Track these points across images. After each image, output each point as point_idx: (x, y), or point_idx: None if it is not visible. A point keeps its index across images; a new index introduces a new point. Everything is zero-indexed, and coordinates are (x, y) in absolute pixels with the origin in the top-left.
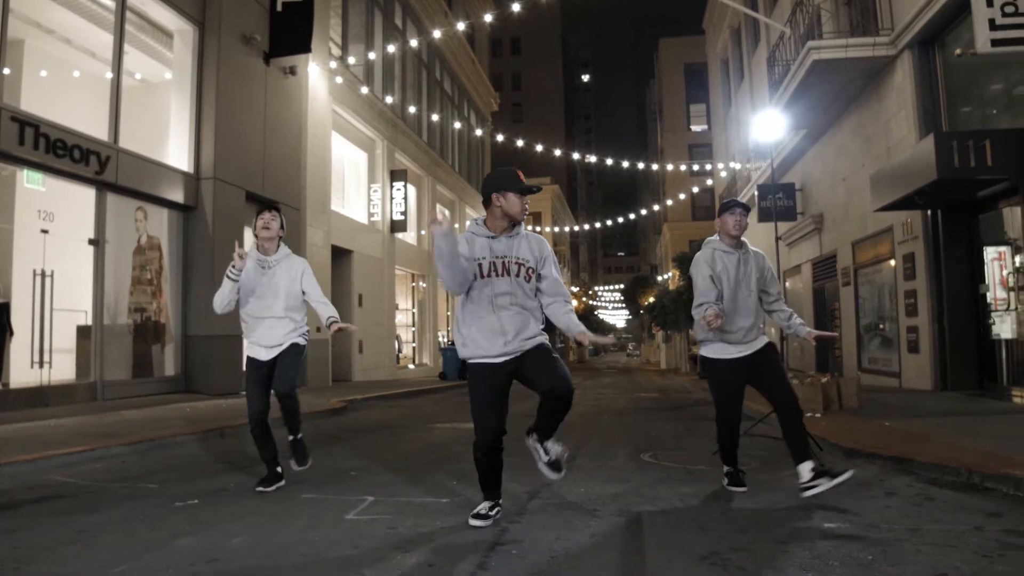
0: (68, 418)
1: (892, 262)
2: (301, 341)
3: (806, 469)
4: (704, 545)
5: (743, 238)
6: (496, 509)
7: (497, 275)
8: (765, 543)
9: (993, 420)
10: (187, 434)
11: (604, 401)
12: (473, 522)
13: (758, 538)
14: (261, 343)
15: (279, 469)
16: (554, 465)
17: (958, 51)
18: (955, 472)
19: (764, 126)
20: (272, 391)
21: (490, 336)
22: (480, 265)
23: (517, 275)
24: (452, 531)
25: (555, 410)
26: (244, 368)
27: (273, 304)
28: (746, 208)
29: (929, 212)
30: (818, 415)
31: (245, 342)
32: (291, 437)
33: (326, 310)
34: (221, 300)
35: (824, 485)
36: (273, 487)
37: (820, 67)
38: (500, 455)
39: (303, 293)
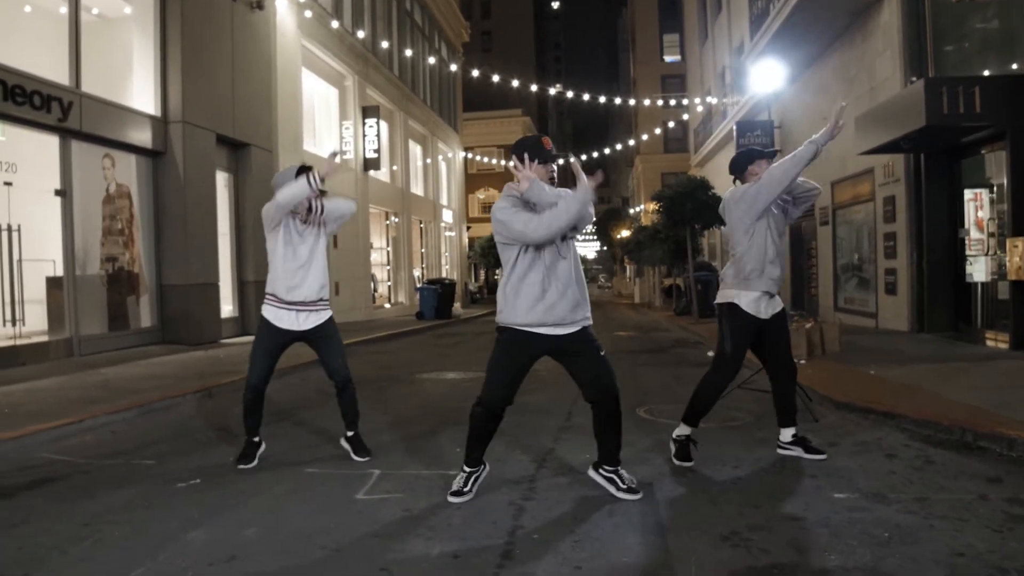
0: (46, 379)
1: (872, 203)
2: (329, 312)
3: (788, 434)
4: (722, 523)
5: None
6: (473, 479)
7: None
8: (781, 520)
9: (974, 368)
10: (174, 396)
11: None
12: (452, 499)
13: (773, 514)
14: (292, 297)
15: (257, 439)
16: (632, 491)
17: None
18: (948, 431)
19: (762, 75)
20: (330, 377)
21: (535, 305)
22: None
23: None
24: (467, 511)
25: (605, 420)
26: (258, 328)
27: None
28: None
29: (912, 155)
30: (803, 361)
31: (270, 304)
32: (349, 433)
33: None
34: (287, 197)
35: (797, 453)
36: (255, 461)
37: (807, 3)
38: (497, 423)
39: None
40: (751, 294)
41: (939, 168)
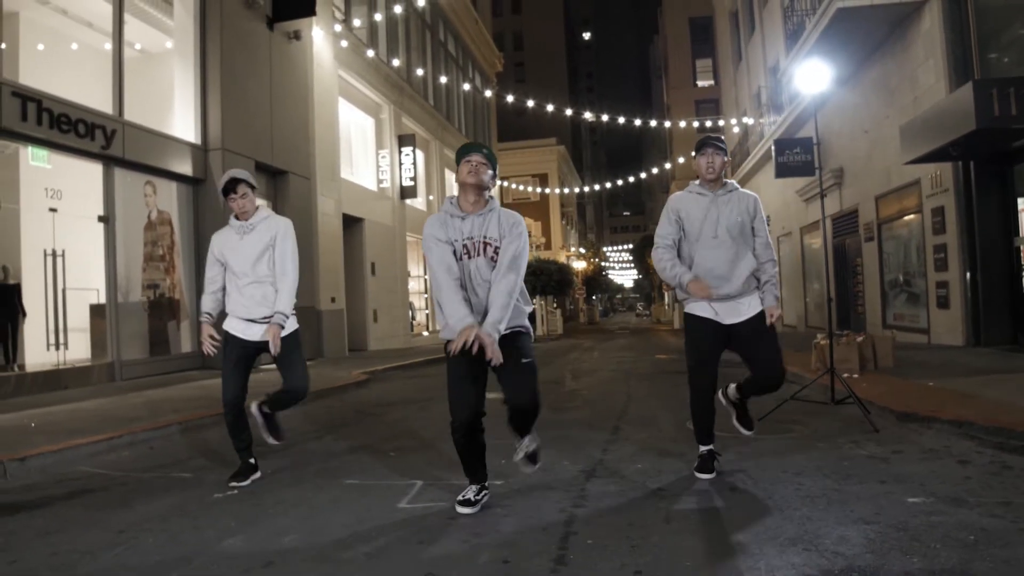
0: (88, 401)
1: (919, 216)
2: (295, 323)
3: (733, 390)
4: (789, 528)
5: (728, 179)
6: (483, 493)
7: (469, 257)
8: (853, 524)
9: None
10: (213, 415)
11: (626, 364)
12: (461, 509)
13: (843, 518)
14: (240, 315)
15: (252, 460)
16: (532, 458)
17: None
18: (1022, 437)
19: (806, 77)
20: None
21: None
22: (454, 248)
23: (485, 254)
24: (515, 518)
25: (518, 417)
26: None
27: (244, 276)
28: (719, 146)
29: (960, 164)
30: (856, 375)
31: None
32: (267, 408)
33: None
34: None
35: (728, 408)
36: (249, 480)
37: (844, 15)
38: (480, 436)
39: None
40: (693, 301)
41: (990, 176)
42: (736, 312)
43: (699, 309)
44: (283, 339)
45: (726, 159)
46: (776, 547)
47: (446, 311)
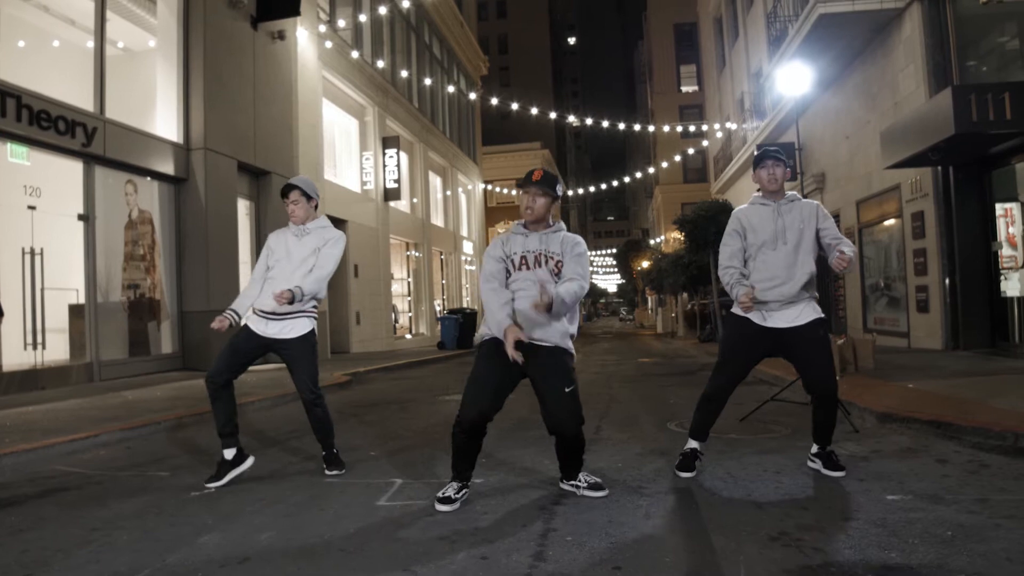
0: (65, 401)
1: (899, 220)
2: (310, 324)
3: (815, 448)
4: (769, 524)
5: (791, 191)
6: (464, 491)
7: (527, 268)
8: (832, 520)
9: (1018, 380)
10: (192, 415)
11: (609, 367)
12: (440, 507)
13: (823, 515)
14: (264, 307)
15: (234, 452)
16: (595, 487)
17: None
18: (1000, 436)
19: (788, 79)
20: (299, 394)
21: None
22: (512, 260)
23: (546, 265)
24: (494, 516)
25: (563, 447)
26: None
27: (289, 271)
28: (778, 157)
29: (940, 169)
30: (837, 377)
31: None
32: (324, 452)
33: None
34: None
35: (817, 466)
36: (226, 479)
37: (826, 21)
38: (480, 440)
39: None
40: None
41: (969, 181)
42: (787, 317)
43: (743, 310)
44: (297, 339)
45: (787, 169)
46: (756, 543)
47: (490, 318)
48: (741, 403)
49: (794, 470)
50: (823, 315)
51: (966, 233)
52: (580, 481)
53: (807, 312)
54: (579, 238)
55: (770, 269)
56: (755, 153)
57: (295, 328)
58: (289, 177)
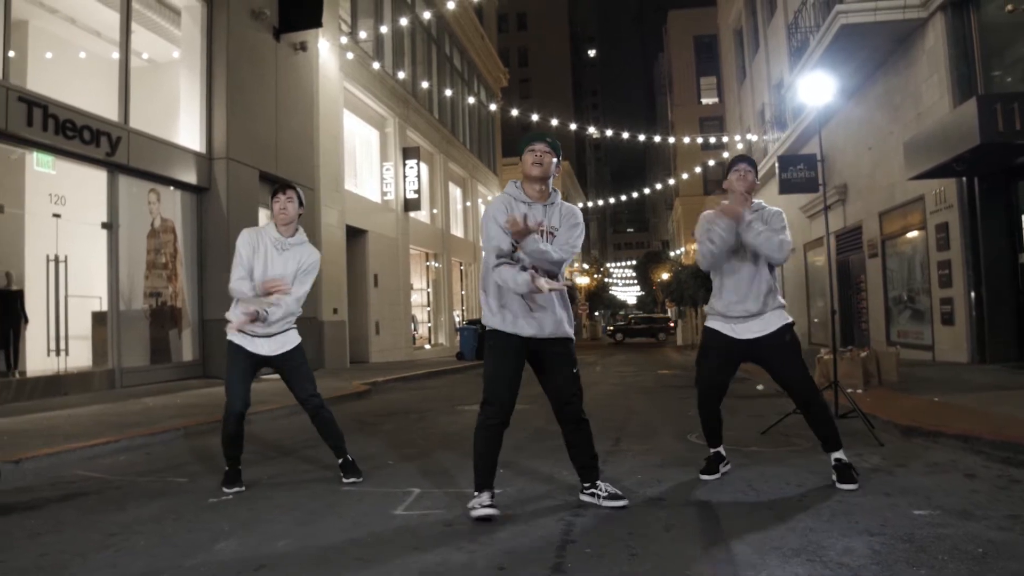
0: (87, 407)
1: (923, 232)
2: (297, 337)
3: (833, 456)
4: (792, 538)
5: (756, 199)
6: (494, 498)
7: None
8: (858, 535)
9: None
10: (212, 422)
11: (628, 378)
12: (480, 512)
13: (848, 529)
14: (253, 329)
15: (240, 468)
16: (614, 496)
17: (1009, 7)
18: None
19: (810, 89)
20: (302, 404)
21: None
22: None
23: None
24: (512, 527)
25: (580, 441)
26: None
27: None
28: (751, 162)
29: (964, 180)
30: (859, 390)
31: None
32: (340, 460)
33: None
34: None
35: (836, 480)
36: (241, 486)
37: (847, 32)
38: (501, 437)
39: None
40: (715, 317)
41: (994, 192)
42: (754, 329)
43: (715, 324)
44: (295, 350)
45: (757, 181)
46: (779, 557)
47: (510, 281)
48: (761, 415)
49: (817, 483)
50: (790, 320)
51: (992, 244)
52: (600, 490)
53: (773, 321)
54: (576, 209)
55: (736, 287)
56: (740, 156)
57: (290, 340)
58: (311, 187)
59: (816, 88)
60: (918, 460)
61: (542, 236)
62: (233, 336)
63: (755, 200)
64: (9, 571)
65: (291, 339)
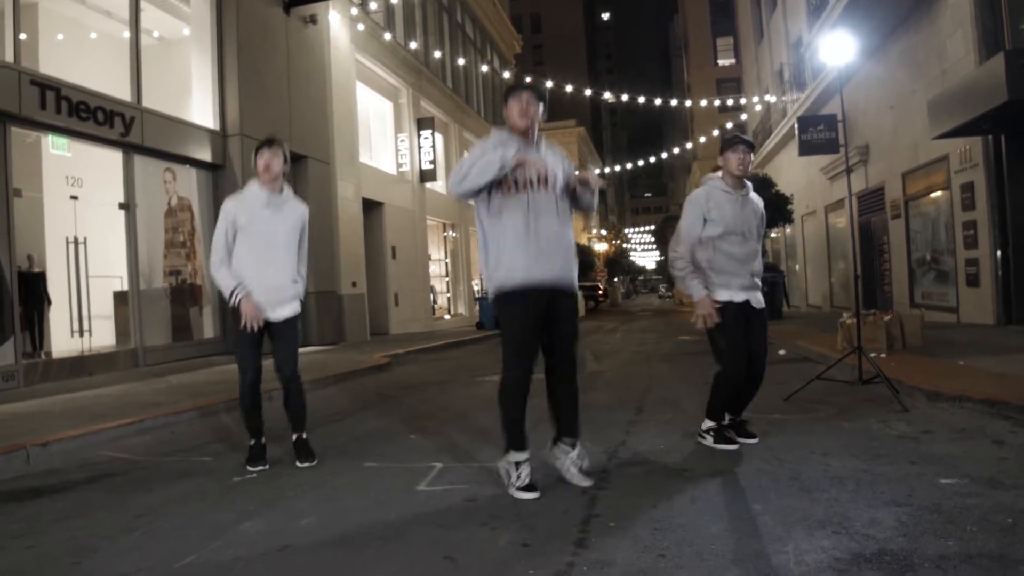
0: (112, 387)
1: (947, 192)
2: (299, 307)
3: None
4: (818, 510)
5: (746, 180)
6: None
7: (531, 188)
8: (885, 505)
9: None
10: (234, 400)
11: (648, 346)
12: (523, 495)
13: (873, 500)
14: (261, 296)
15: (264, 440)
16: (586, 474)
17: None
18: None
19: (831, 48)
20: (277, 371)
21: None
22: (515, 179)
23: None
24: (536, 502)
25: (568, 396)
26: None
27: (277, 248)
28: (750, 145)
29: (991, 138)
30: (883, 354)
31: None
32: (295, 436)
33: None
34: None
35: (708, 442)
36: (266, 463)
37: None
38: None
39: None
40: (719, 289)
41: (1022, 149)
42: (748, 297)
43: (725, 295)
44: (295, 317)
45: (752, 160)
46: (804, 530)
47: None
48: (784, 382)
49: (841, 452)
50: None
51: (1019, 204)
52: (576, 459)
53: (758, 297)
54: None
55: (735, 262)
56: (726, 136)
57: (292, 307)
58: (326, 161)
59: (837, 47)
60: (944, 426)
61: (544, 180)
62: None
63: (747, 182)
64: (39, 556)
65: (294, 306)
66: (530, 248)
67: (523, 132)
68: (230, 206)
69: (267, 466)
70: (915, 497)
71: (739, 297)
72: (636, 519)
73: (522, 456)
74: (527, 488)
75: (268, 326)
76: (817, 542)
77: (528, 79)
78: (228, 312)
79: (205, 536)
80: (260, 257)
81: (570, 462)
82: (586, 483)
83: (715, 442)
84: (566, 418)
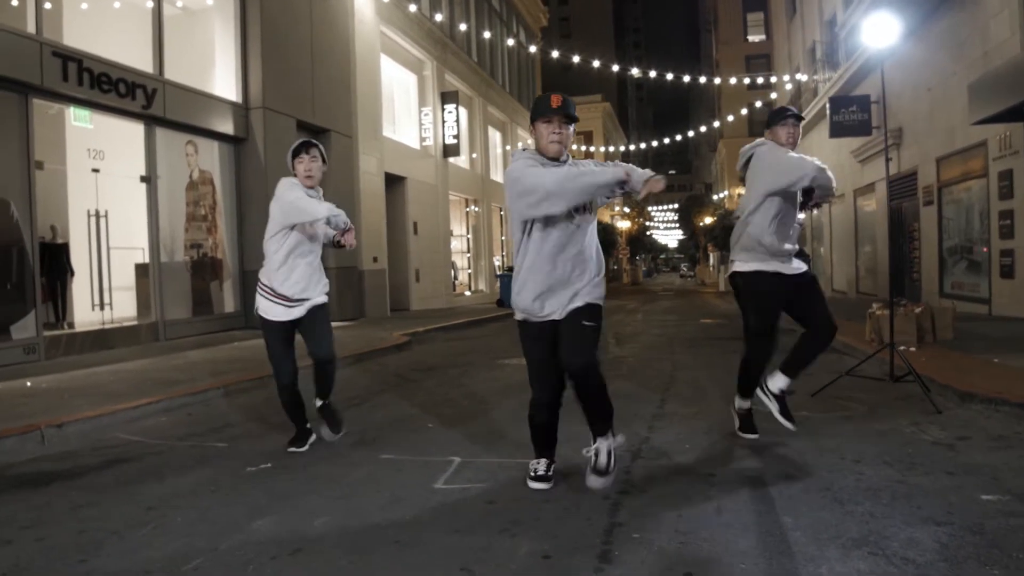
0: (131, 362)
1: (984, 179)
2: (326, 297)
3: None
4: (852, 526)
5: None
6: (552, 467)
7: (587, 212)
8: (922, 525)
9: None
10: (252, 379)
11: (670, 329)
12: (534, 484)
13: (911, 516)
14: (294, 289)
15: (309, 425)
16: (600, 472)
17: None
18: None
19: (875, 30)
20: (312, 356)
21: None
22: None
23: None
24: (556, 505)
25: (581, 390)
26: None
27: (317, 241)
28: (799, 118)
29: None
30: (913, 348)
31: (264, 296)
32: (320, 402)
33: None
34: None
35: (770, 406)
36: (306, 445)
37: None
38: (557, 416)
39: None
40: (752, 260)
41: None
42: (791, 267)
43: (767, 265)
44: (316, 308)
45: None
46: (839, 549)
47: (596, 178)
48: (810, 374)
49: (874, 459)
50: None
51: None
52: (592, 456)
53: (801, 264)
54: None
55: (788, 228)
56: (774, 108)
57: (324, 295)
58: (348, 135)
59: (880, 29)
60: (980, 432)
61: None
62: (266, 312)
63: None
64: (49, 549)
65: (321, 299)
66: (543, 281)
67: (555, 158)
68: (294, 197)
69: (305, 447)
70: (955, 515)
71: (774, 267)
72: (661, 530)
73: (540, 464)
74: (536, 479)
75: (298, 321)
76: (853, 564)
77: (557, 100)
78: (255, 313)
79: (215, 533)
80: (291, 256)
81: (589, 463)
82: (595, 484)
83: (740, 428)
84: (587, 418)
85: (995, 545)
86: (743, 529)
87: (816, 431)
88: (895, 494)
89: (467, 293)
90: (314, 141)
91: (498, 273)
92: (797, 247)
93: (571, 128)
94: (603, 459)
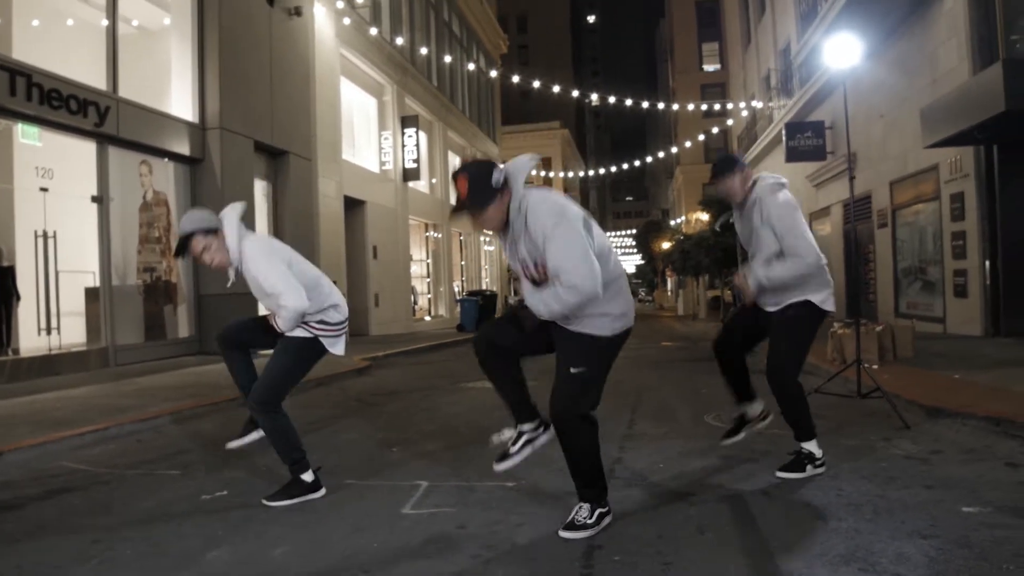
0: (79, 388)
1: (937, 202)
2: (300, 332)
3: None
4: (838, 543)
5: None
6: (521, 443)
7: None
8: (909, 537)
9: None
10: (206, 405)
11: (632, 352)
12: (498, 466)
13: (896, 531)
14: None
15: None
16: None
17: None
18: None
19: (836, 50)
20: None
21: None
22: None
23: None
24: (531, 528)
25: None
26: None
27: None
28: (742, 164)
29: (983, 148)
30: (875, 366)
31: (329, 335)
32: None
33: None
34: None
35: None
36: (247, 439)
37: None
38: (507, 363)
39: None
40: (823, 293)
41: (1014, 161)
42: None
43: (828, 303)
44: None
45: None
46: (827, 566)
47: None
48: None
49: (850, 474)
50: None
51: (1010, 215)
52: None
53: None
54: (543, 202)
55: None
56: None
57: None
58: (308, 157)
59: (841, 50)
60: (951, 446)
61: (525, 269)
62: (331, 346)
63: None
64: None
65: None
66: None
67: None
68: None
69: (244, 441)
70: (939, 527)
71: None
72: (642, 552)
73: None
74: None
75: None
76: None
77: (461, 179)
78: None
79: (168, 567)
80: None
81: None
82: (566, 536)
83: (790, 467)
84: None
85: (983, 558)
86: (726, 547)
87: (788, 448)
88: (877, 509)
89: (427, 318)
90: (185, 229)
91: (458, 298)
92: None
93: (487, 212)
94: (583, 513)
